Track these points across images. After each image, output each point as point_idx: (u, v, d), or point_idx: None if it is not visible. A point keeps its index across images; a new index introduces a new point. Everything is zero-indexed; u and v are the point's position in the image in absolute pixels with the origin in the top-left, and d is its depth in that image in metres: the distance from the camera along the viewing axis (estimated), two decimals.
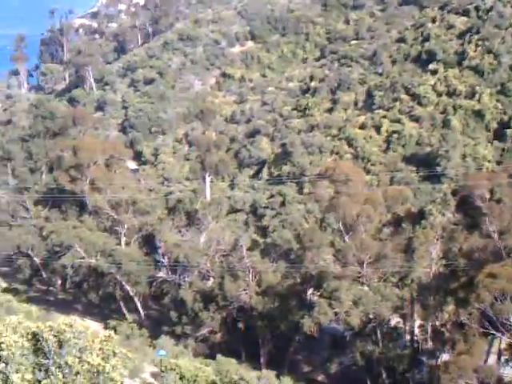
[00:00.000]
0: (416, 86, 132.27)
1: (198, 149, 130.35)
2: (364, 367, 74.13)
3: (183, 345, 79.33)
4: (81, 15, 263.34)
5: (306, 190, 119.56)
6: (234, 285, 79.04)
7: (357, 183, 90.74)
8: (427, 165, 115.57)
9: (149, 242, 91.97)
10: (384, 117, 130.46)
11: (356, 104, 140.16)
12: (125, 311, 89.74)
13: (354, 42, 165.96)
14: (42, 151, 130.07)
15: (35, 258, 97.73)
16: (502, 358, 65.96)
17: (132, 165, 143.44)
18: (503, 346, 65.87)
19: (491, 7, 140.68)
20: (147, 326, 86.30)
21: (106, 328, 78.66)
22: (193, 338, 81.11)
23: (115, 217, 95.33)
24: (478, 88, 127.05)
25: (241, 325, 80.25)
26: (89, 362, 21.08)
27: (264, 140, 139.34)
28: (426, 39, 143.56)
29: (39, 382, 21.22)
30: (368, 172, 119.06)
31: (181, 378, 55.12)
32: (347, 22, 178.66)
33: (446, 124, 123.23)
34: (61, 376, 20.89)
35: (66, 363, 20.97)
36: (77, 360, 21.20)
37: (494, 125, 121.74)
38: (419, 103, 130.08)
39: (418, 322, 79.00)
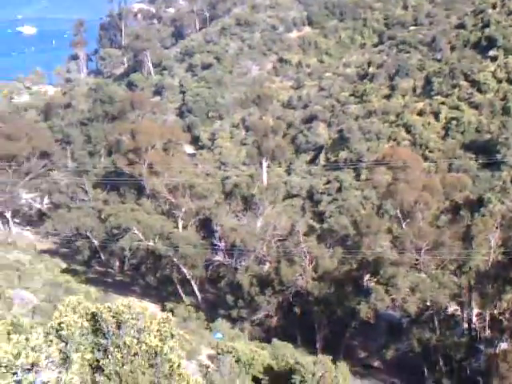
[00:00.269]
0: (475, 73, 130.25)
1: (255, 134, 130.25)
2: (421, 354, 73.58)
3: (239, 328, 79.65)
4: (139, 0, 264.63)
5: (363, 177, 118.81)
6: (290, 270, 79.01)
7: (414, 170, 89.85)
8: (486, 152, 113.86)
9: (206, 226, 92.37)
10: (443, 103, 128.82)
11: (414, 90, 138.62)
12: (182, 294, 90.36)
13: (412, 27, 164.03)
14: (101, 135, 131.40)
15: (94, 240, 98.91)
16: None
17: (189, 149, 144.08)
18: None
19: None
20: (204, 309, 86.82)
21: (163, 310, 79.34)
22: (249, 322, 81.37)
23: (173, 200, 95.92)
24: None
25: (297, 309, 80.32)
26: (147, 343, 21.21)
27: (321, 126, 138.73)
28: (486, 25, 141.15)
29: (98, 361, 21.42)
30: (426, 159, 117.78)
31: (237, 361, 55.38)
32: (406, 7, 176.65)
33: (505, 111, 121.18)
34: (119, 356, 21.06)
35: (125, 344, 21.13)
36: (135, 341, 21.35)
37: None
38: (479, 90, 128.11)
39: (475, 311, 78.07)
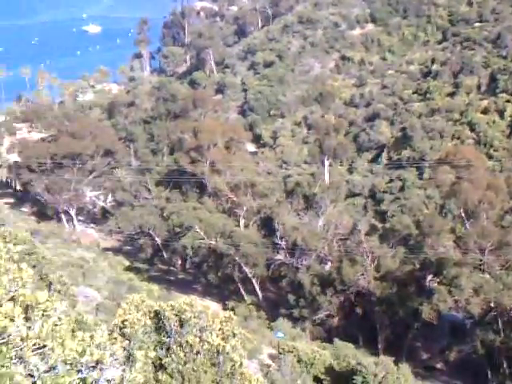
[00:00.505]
0: None
1: (317, 132, 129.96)
2: (484, 356, 72.60)
3: (300, 328, 79.46)
4: None
5: (426, 175, 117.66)
6: (351, 269, 78.60)
7: (478, 169, 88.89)
8: None
9: (267, 225, 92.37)
10: (508, 101, 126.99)
11: (479, 88, 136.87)
12: (243, 293, 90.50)
13: (477, 24, 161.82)
14: (164, 133, 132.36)
15: (156, 238, 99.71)
16: None
17: (251, 147, 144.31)
18: None
19: None
20: (265, 308, 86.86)
21: (224, 309, 79.56)
22: (310, 322, 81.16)
23: (234, 199, 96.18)
24: None
25: (358, 309, 79.90)
26: (209, 342, 21.27)
27: (383, 124, 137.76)
28: None
29: (160, 359, 21.54)
30: (490, 157, 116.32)
31: (298, 361, 55.30)
32: (470, 3, 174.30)
33: None
34: (182, 355, 21.14)
35: (187, 342, 21.21)
36: (197, 339, 21.42)
37: None
38: None
39: None
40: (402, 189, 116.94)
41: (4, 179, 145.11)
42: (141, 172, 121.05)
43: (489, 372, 72.53)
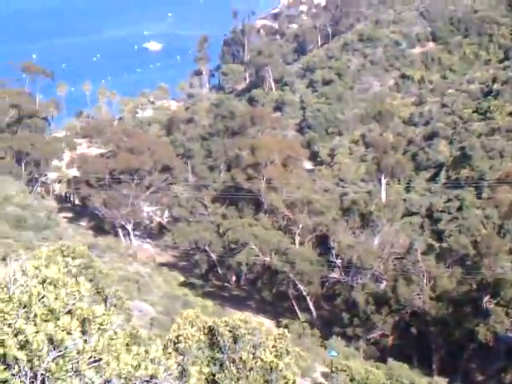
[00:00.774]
0: None
1: (375, 150, 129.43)
2: None
3: (354, 347, 79.07)
4: (262, 16, 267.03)
5: (484, 195, 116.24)
6: (407, 289, 78.04)
7: None
8: None
9: (322, 243, 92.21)
10: None
11: None
12: (297, 310, 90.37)
13: None
14: (221, 149, 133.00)
15: (212, 254, 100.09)
16: None
17: (308, 165, 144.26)
18: None
19: None
20: (318, 326, 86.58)
21: (278, 326, 79.44)
22: (364, 341, 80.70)
23: (290, 216, 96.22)
24: None
25: (413, 329, 79.21)
26: (262, 359, 21.31)
27: (442, 143, 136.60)
28: None
29: (213, 375, 21.65)
30: None
31: (351, 380, 54.98)
32: None
33: None
34: (235, 371, 21.23)
35: (241, 359, 21.29)
36: (251, 356, 21.48)
37: None
38: None
39: None
40: (459, 208, 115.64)
41: (63, 194, 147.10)
42: (197, 188, 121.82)
43: None
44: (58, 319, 11.67)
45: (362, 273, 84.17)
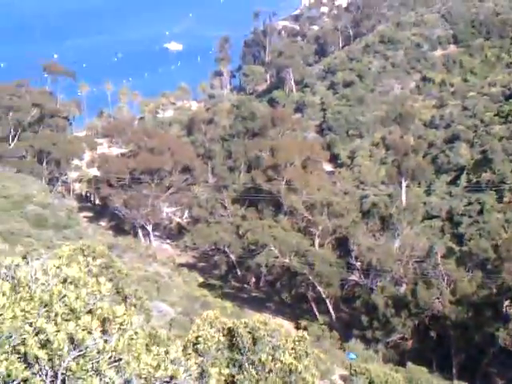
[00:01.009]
0: None
1: (395, 153, 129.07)
2: None
3: (373, 349, 78.80)
4: (283, 17, 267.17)
5: (505, 199, 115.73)
6: (427, 292, 77.72)
7: None
8: None
9: (342, 245, 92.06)
10: None
11: None
12: (316, 312, 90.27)
13: None
14: (241, 151, 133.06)
15: (231, 255, 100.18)
16: None
17: (328, 167, 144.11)
18: None
19: None
20: (337, 329, 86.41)
21: (296, 327, 79.40)
22: (383, 344, 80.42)
23: (310, 218, 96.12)
24: None
25: (433, 333, 78.90)
26: (281, 361, 21.24)
27: (463, 146, 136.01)
28: None
29: (233, 376, 21.61)
30: None
31: (370, 383, 54.77)
32: None
33: None
34: (254, 372, 21.17)
35: (260, 360, 21.22)
36: (270, 358, 21.42)
37: None
38: None
39: None
40: (480, 212, 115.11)
41: (83, 193, 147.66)
42: (217, 189, 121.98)
43: None
44: (79, 318, 11.68)
45: (382, 275, 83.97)
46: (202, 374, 16.11)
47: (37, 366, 11.20)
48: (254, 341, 21.94)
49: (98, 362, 11.42)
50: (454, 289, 78.70)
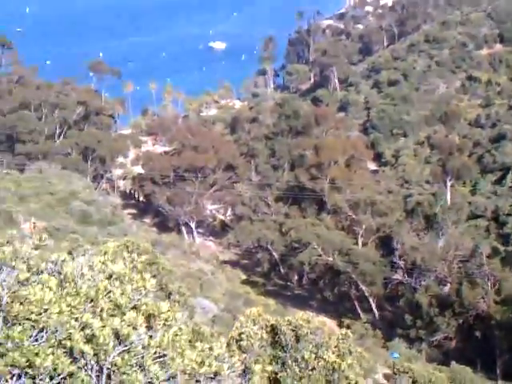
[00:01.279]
0: None
1: (440, 152, 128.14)
2: None
3: (416, 349, 78.41)
4: (328, 16, 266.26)
5: None
6: (471, 292, 77.11)
7: None
8: None
9: (386, 244, 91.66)
10: None
11: None
12: (359, 311, 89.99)
13: None
14: (285, 149, 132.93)
15: (274, 253, 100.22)
16: None
17: (372, 166, 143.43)
18: None
19: None
20: (380, 327, 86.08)
21: (339, 326, 79.19)
22: (427, 343, 79.95)
23: (353, 217, 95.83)
24: None
25: (477, 333, 78.23)
26: (325, 359, 21.23)
27: (509, 145, 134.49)
28: None
29: (276, 374, 21.63)
30: None
31: (413, 382, 54.50)
32: None
33: None
34: (297, 370, 21.19)
35: (303, 358, 21.23)
36: (313, 356, 21.41)
37: None
38: None
39: None
40: None
41: (128, 190, 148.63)
42: (261, 187, 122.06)
43: None
44: (124, 314, 11.78)
45: (426, 275, 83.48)
46: (246, 371, 16.15)
47: (82, 361, 11.32)
48: (297, 338, 21.95)
49: (142, 357, 11.51)
50: (499, 289, 77.99)
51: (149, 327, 11.96)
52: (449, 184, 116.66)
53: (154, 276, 13.70)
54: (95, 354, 11.27)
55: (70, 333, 11.29)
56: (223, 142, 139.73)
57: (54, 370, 10.87)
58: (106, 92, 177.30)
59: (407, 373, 55.47)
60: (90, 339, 11.32)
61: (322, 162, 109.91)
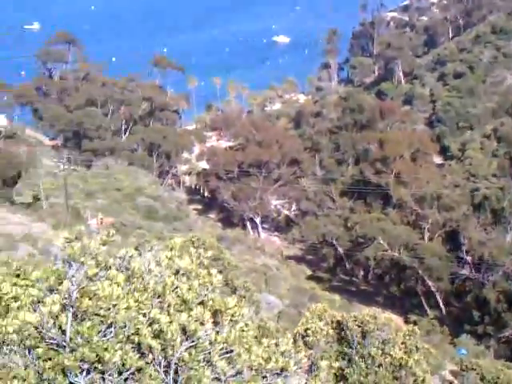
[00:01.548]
0: None
1: (508, 145, 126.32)
2: None
3: (484, 345, 77.42)
4: (392, 9, 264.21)
5: None
6: None
7: None
8: None
9: (452, 239, 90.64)
10: None
11: None
12: (425, 306, 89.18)
13: None
14: (349, 143, 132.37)
15: (339, 248, 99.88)
16: None
17: (438, 159, 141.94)
18: None
19: None
20: (448, 323, 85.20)
21: (406, 322, 78.66)
22: (495, 339, 78.88)
23: (419, 211, 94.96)
24: None
25: None
26: (391, 355, 21.11)
27: None
28: None
29: (342, 370, 21.57)
30: None
31: (481, 379, 53.80)
32: None
33: None
34: (363, 366, 21.11)
35: (369, 354, 21.15)
36: (379, 352, 21.31)
37: None
38: None
39: None
40: None
41: (193, 186, 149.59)
42: (325, 182, 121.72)
43: None
44: (191, 310, 11.83)
45: (494, 270, 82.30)
46: (312, 367, 16.12)
47: (150, 356, 11.40)
48: (364, 334, 21.87)
49: (209, 353, 11.55)
50: None
51: (215, 323, 11.99)
52: None
53: (220, 271, 13.73)
54: (163, 350, 11.34)
55: (138, 328, 11.39)
56: (287, 136, 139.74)
57: (123, 365, 10.98)
58: (171, 88, 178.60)
59: (475, 369, 54.80)
60: (157, 334, 11.40)
61: (387, 155, 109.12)
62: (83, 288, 11.33)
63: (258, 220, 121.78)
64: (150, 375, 11.26)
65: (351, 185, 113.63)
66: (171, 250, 13.22)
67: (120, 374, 11.04)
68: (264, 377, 12.02)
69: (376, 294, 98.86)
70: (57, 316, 11.15)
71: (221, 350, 11.67)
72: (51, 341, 11.09)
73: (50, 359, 10.96)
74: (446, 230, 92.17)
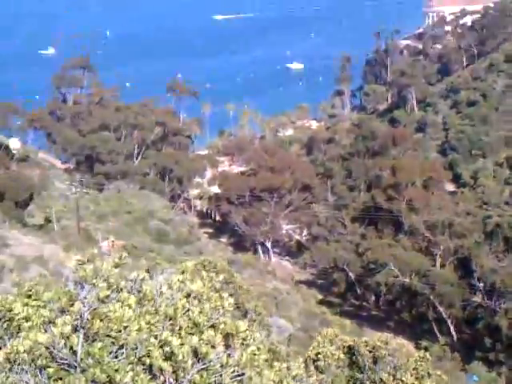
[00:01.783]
0: None
1: None
2: None
3: (496, 372, 77.04)
4: (406, 36, 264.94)
5: None
6: None
7: None
8: None
9: (464, 266, 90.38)
10: None
11: None
12: (437, 333, 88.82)
13: None
14: (362, 170, 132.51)
15: (350, 273, 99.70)
16: None
17: (450, 187, 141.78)
18: None
19: None
20: (459, 350, 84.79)
21: (417, 348, 78.30)
22: (506, 366, 78.48)
23: (431, 238, 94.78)
24: None
25: None
26: (403, 381, 21.02)
27: None
28: None
29: None
30: None
31: None
32: None
33: None
34: None
35: (381, 380, 21.07)
36: (391, 377, 21.23)
37: None
38: None
39: None
40: None
41: (204, 210, 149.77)
42: (337, 208, 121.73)
43: None
44: (203, 333, 11.84)
45: (506, 297, 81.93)
46: None
47: (161, 378, 11.41)
48: (375, 360, 21.79)
49: (221, 375, 11.55)
50: None
51: (227, 346, 12.00)
52: None
53: (231, 295, 13.74)
54: (174, 372, 11.35)
55: (150, 350, 11.41)
56: (299, 162, 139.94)
57: None
58: (185, 113, 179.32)
59: None
60: (168, 357, 11.41)
61: (399, 182, 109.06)
62: (95, 310, 11.37)
63: (269, 244, 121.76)
64: None
65: (363, 211, 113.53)
66: (183, 273, 13.26)
67: None
68: None
69: (387, 319, 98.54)
70: (68, 337, 11.19)
71: (232, 372, 11.66)
72: (62, 361, 11.13)
73: (60, 379, 11.00)
74: (457, 256, 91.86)
